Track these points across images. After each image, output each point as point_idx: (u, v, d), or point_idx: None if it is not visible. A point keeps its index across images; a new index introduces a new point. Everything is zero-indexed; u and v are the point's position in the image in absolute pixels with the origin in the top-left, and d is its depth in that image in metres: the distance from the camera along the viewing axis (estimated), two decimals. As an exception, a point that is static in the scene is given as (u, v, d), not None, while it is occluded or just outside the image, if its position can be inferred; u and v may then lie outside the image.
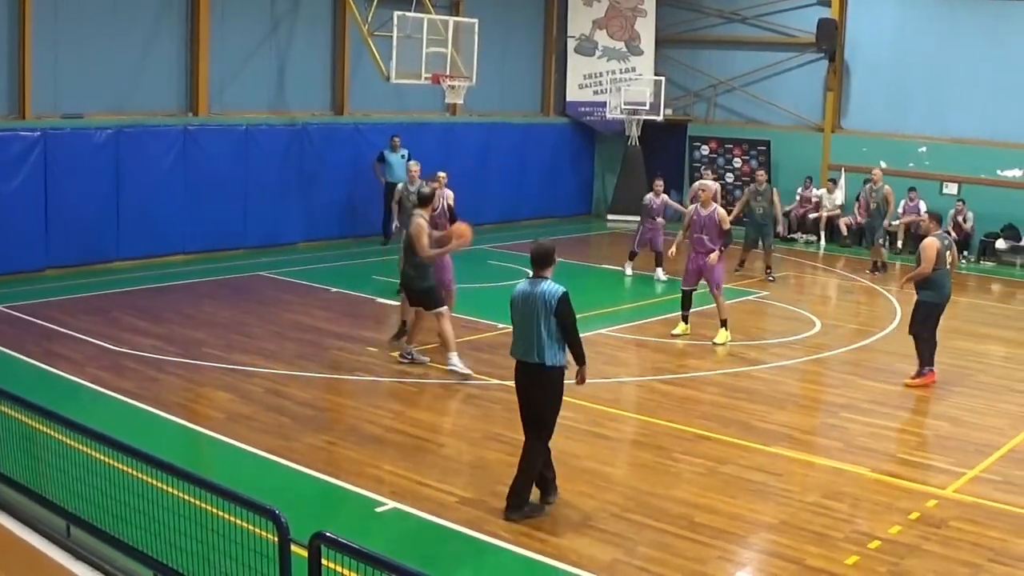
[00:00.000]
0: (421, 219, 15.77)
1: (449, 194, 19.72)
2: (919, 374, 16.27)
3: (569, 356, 10.79)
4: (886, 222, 26.61)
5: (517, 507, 10.61)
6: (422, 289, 15.95)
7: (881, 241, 26.80)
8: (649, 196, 24.21)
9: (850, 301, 23.13)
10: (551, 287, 10.57)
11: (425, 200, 16.21)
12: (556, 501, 10.98)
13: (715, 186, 20.19)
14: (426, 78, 24.91)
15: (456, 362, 15.65)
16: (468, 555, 10.06)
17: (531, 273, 10.91)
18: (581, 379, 11.07)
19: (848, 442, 13.44)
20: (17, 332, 17.35)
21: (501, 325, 18.62)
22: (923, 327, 16.23)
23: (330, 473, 11.82)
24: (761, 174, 25.47)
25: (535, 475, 10.73)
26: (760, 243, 24.89)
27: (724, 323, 18.61)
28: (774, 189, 25.27)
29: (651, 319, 20.14)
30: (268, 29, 26.42)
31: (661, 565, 9.70)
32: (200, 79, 24.89)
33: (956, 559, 10.00)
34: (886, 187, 26.11)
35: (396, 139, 26.91)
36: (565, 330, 10.52)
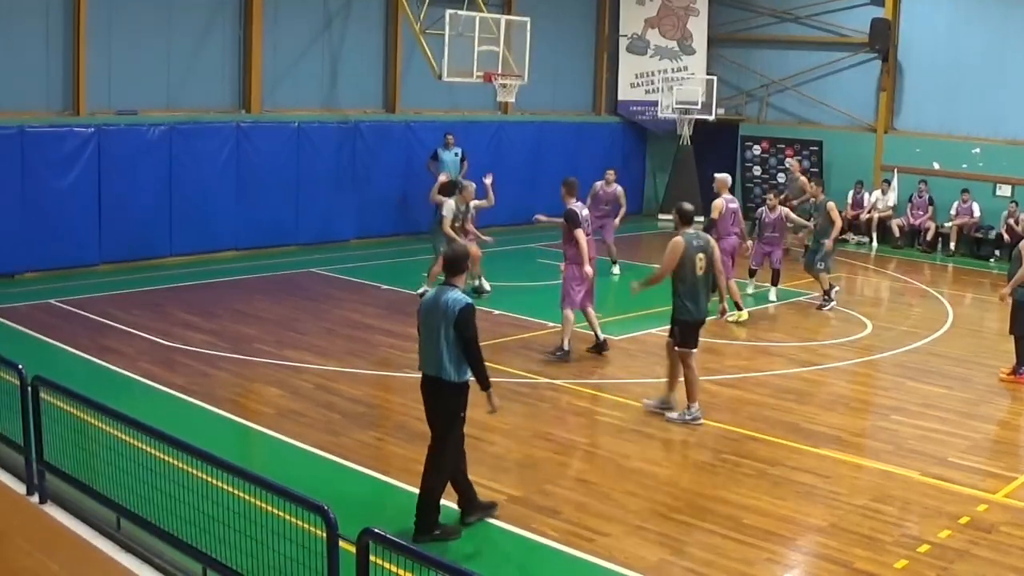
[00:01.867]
0: (680, 238, 13.90)
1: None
2: (1015, 371, 16.49)
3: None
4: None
5: (424, 530, 9.99)
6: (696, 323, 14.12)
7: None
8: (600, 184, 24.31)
9: (902, 303, 22.99)
10: (455, 296, 9.99)
11: (688, 217, 14.18)
12: (478, 519, 10.47)
13: (725, 177, 20.97)
14: (478, 76, 24.92)
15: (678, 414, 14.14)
16: (516, 553, 10.07)
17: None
18: (491, 407, 10.38)
19: (898, 445, 13.37)
20: (70, 326, 17.51)
21: (551, 324, 18.64)
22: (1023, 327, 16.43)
23: (379, 469, 11.87)
24: (813, 186, 23.03)
25: (437, 495, 10.13)
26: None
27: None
28: (829, 203, 21.51)
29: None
30: (321, 27, 26.53)
31: (709, 566, 9.69)
32: (253, 76, 25.03)
33: (1006, 564, 9.93)
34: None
35: (450, 136, 27.01)
36: (464, 344, 9.94)
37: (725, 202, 20.20)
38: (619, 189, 24.47)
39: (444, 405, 10.13)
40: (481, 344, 16.45)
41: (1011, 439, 13.94)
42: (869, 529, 10.65)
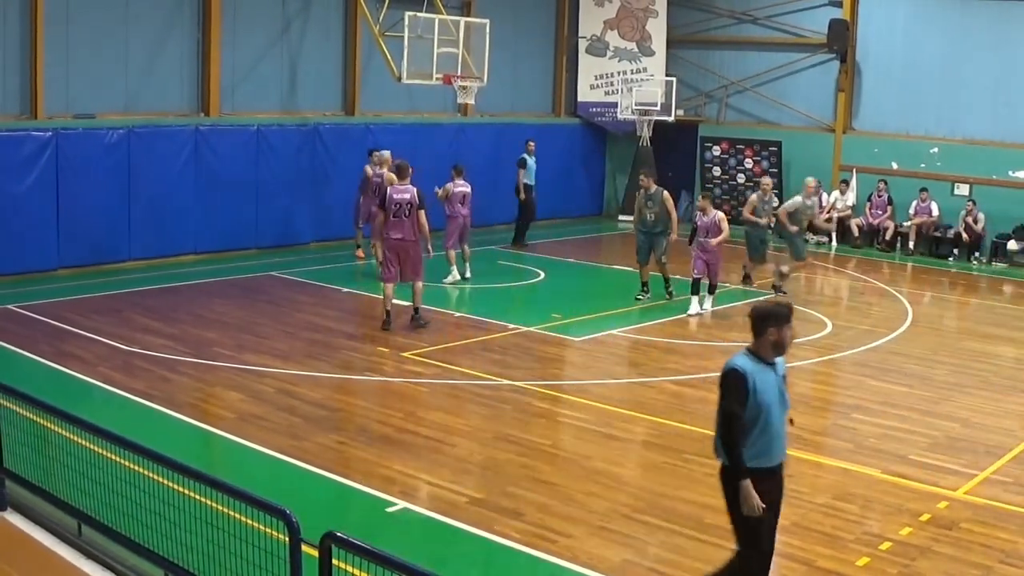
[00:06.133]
0: None
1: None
2: None
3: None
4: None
5: None
6: None
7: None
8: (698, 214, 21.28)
9: (861, 302, 23.08)
10: (730, 360, 8.38)
11: None
12: None
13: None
14: (437, 78, 24.92)
15: None
16: (479, 555, 10.06)
17: None
18: (745, 506, 8.11)
19: (859, 443, 13.43)
20: (29, 332, 17.38)
21: (511, 326, 18.67)
22: None
23: (341, 473, 11.83)
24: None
25: None
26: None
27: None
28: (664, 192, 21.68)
29: (663, 320, 20.10)
30: (280, 29, 26.46)
31: (672, 566, 9.70)
32: (212, 79, 24.93)
33: (967, 561, 9.98)
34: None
35: (531, 143, 27.55)
36: (718, 413, 8.32)
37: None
38: (719, 216, 21.00)
39: (723, 490, 8.33)
40: (443, 346, 16.43)
41: (971, 436, 13.99)
42: (831, 527, 10.70)
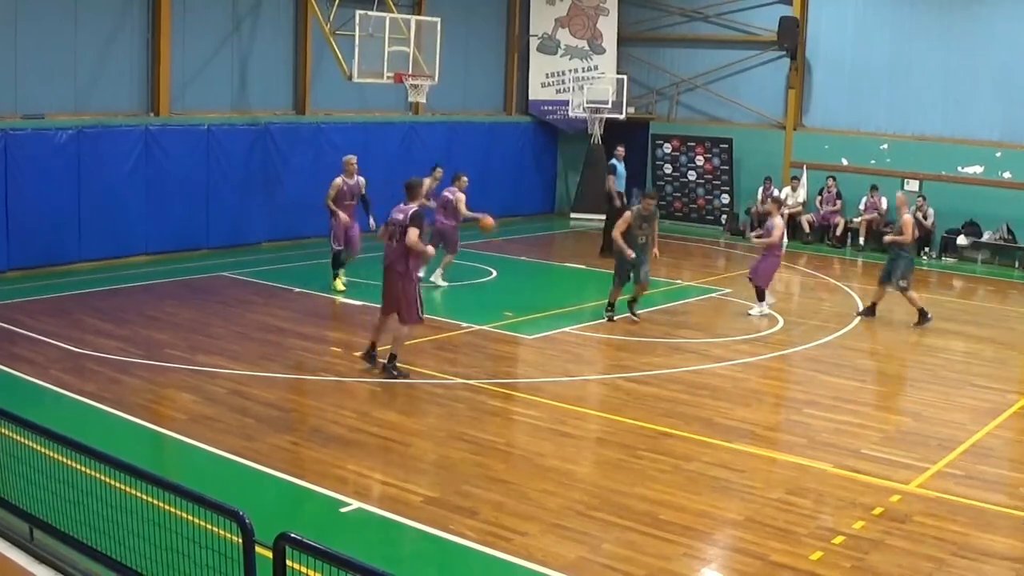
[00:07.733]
0: None
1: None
2: None
3: None
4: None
5: None
6: None
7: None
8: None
9: (812, 298, 23.20)
10: None
11: None
12: None
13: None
14: (389, 77, 24.83)
15: None
16: (433, 555, 10.04)
17: None
18: None
19: (811, 438, 13.49)
20: (-22, 335, 17.24)
21: (464, 324, 18.66)
22: None
23: (294, 474, 11.78)
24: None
25: None
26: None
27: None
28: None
29: (615, 317, 20.11)
30: (230, 28, 26.32)
31: (626, 562, 9.71)
32: (161, 79, 24.75)
33: (920, 553, 10.04)
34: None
35: (621, 148, 27.40)
36: None
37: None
38: (774, 222, 20.57)
39: None
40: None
41: (923, 430, 14.09)
42: (784, 522, 10.74)
